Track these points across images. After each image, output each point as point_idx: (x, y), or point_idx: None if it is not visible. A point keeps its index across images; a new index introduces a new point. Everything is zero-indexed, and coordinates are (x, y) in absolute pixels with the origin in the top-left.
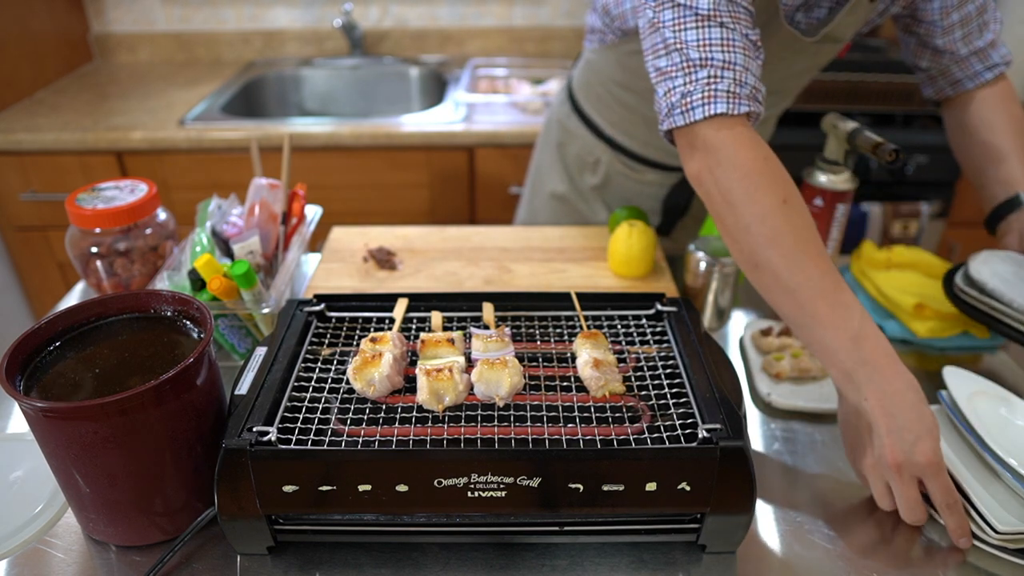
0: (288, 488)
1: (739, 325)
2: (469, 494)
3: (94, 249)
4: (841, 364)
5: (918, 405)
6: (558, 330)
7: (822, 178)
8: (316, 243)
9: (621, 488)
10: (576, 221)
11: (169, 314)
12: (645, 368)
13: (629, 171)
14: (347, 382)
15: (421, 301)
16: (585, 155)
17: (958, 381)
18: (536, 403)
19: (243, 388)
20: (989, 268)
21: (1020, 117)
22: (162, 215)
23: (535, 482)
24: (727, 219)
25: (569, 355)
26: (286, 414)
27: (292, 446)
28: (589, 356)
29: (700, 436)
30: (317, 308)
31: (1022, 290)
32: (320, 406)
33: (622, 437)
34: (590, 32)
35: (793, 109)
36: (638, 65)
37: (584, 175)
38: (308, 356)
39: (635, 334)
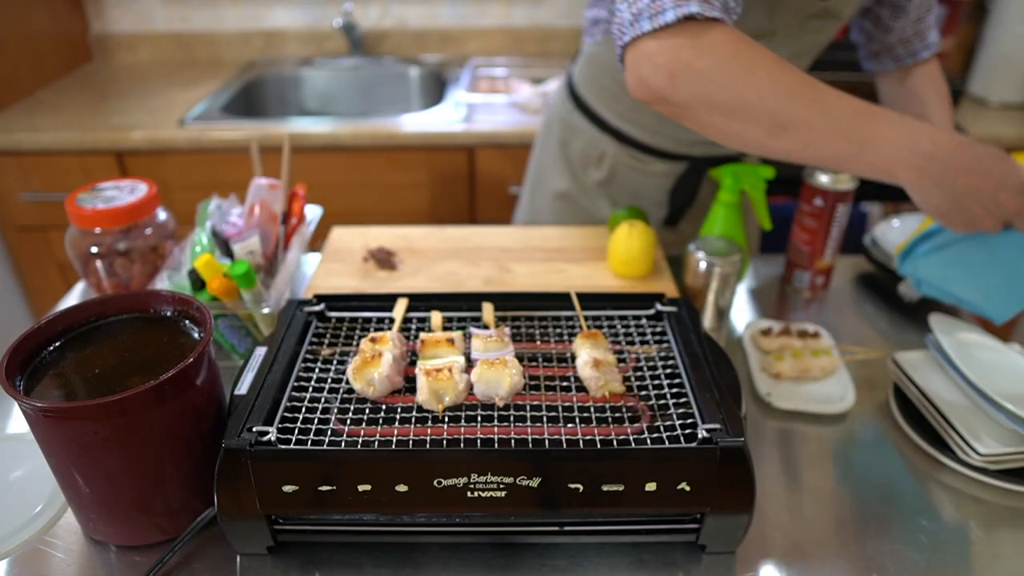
0: (288, 488)
1: (739, 325)
2: (469, 494)
3: (94, 249)
4: (915, 163)
5: (1001, 154)
6: (558, 330)
7: (822, 178)
8: (316, 243)
9: (621, 488)
10: (581, 218)
11: (169, 314)
12: (645, 368)
13: (636, 163)
14: (347, 382)
15: (421, 301)
16: (589, 150)
17: (943, 326)
18: (536, 403)
19: (243, 388)
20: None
21: (947, 94)
22: (162, 215)
23: (535, 482)
24: (730, 100)
25: (569, 355)
26: (286, 414)
27: (292, 446)
28: (589, 356)
29: (700, 436)
30: (317, 308)
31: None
32: (320, 406)
33: (622, 437)
34: (592, 25)
35: None
36: None
37: (589, 171)
38: (308, 356)
39: (635, 334)
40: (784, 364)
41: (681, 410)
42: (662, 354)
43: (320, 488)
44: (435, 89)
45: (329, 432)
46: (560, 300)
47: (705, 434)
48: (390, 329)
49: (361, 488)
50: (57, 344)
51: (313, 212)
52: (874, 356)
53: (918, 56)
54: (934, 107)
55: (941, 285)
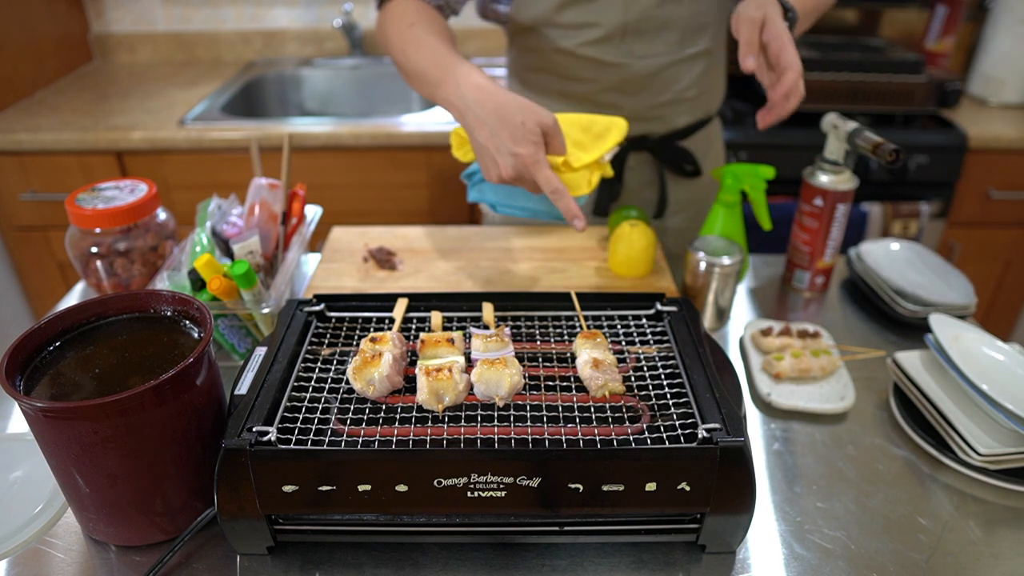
0: (288, 488)
1: (739, 325)
2: (469, 494)
3: (94, 249)
4: (458, 106)
5: (524, 105)
6: (558, 330)
7: (822, 178)
8: (316, 243)
9: (621, 488)
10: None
11: (169, 314)
12: (645, 368)
13: None
14: (347, 382)
15: (421, 301)
16: None
17: (943, 325)
18: (536, 403)
19: (243, 388)
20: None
21: None
22: (162, 215)
23: (535, 482)
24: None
25: (569, 355)
26: (286, 414)
27: (292, 446)
28: (589, 356)
29: (700, 436)
30: (317, 308)
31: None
32: (320, 406)
33: (622, 437)
34: None
35: None
36: (518, 42)
37: None
38: (308, 356)
39: (635, 334)
40: (784, 364)
41: (681, 410)
42: (662, 354)
43: (320, 488)
44: None
45: (329, 432)
46: (560, 300)
47: (705, 434)
48: (390, 329)
49: (361, 488)
50: (57, 344)
51: (313, 212)
52: (874, 356)
53: None
54: None
55: (511, 203)
